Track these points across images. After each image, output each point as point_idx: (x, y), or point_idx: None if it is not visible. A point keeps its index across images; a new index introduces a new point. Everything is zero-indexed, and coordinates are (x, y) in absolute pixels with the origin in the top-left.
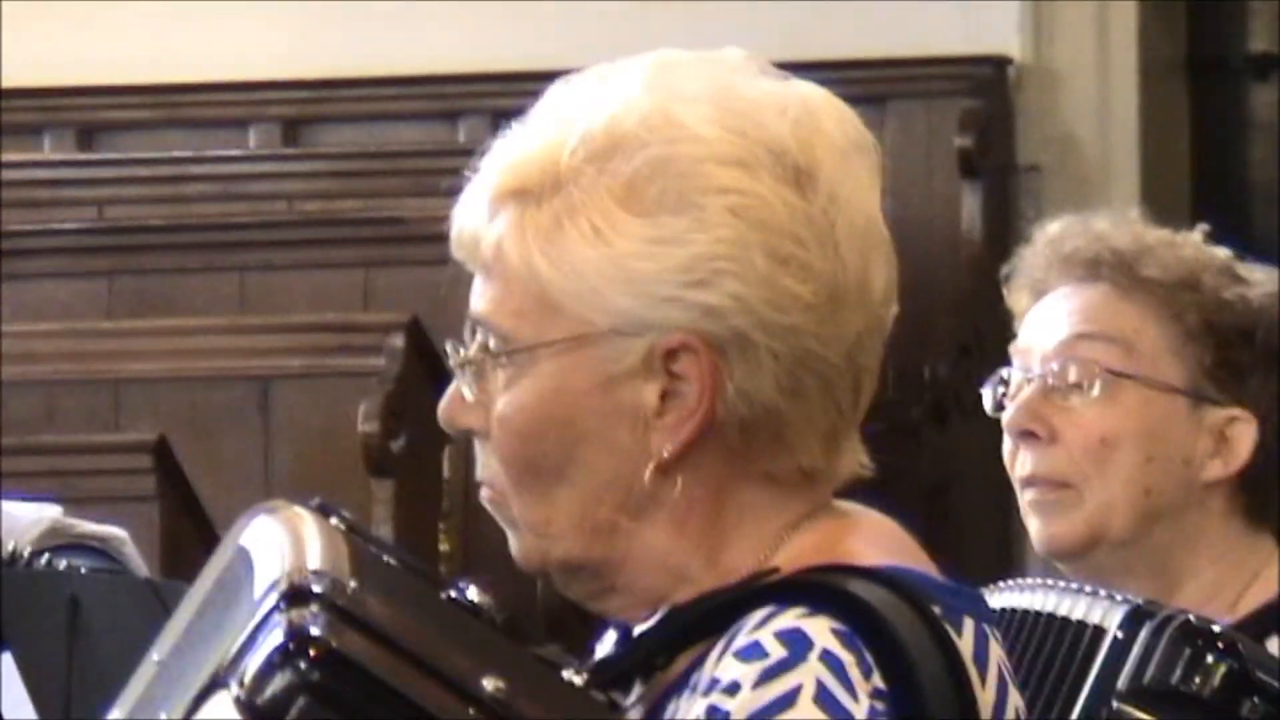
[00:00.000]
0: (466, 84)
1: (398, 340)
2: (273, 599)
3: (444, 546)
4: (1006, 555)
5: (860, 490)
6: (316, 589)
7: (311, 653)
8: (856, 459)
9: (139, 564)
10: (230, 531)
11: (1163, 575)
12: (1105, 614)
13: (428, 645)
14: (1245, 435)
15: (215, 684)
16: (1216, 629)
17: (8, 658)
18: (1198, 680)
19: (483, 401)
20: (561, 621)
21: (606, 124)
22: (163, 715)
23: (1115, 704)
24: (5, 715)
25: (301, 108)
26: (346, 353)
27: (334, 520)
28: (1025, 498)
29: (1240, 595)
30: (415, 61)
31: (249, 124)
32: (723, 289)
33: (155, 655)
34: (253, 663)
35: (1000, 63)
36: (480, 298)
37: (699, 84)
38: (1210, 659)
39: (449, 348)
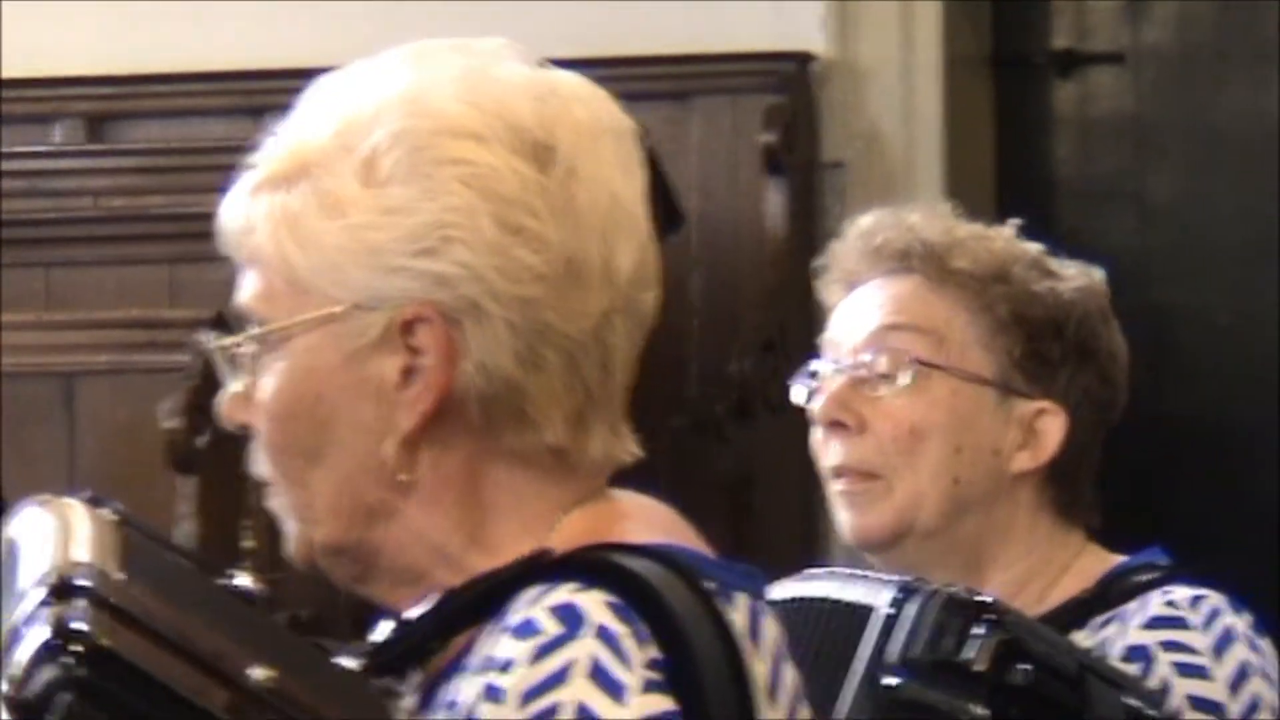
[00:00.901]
0: (270, 80)
1: (206, 339)
2: (40, 593)
3: (248, 544)
4: (811, 550)
5: (664, 485)
6: (83, 583)
7: (78, 649)
8: (623, 446)
9: None
10: (3, 522)
11: (972, 567)
12: (878, 594)
13: (196, 637)
14: (1054, 428)
15: None
16: (983, 599)
17: None
18: (966, 649)
19: (252, 394)
20: (365, 619)
21: (356, 108)
22: None
23: (886, 677)
24: None
25: (106, 104)
26: (152, 349)
27: (105, 511)
28: (834, 489)
29: (1049, 588)
30: (219, 58)
31: (53, 120)
32: (451, 256)
33: None
34: (19, 659)
35: (804, 59)
36: (243, 288)
37: (451, 67)
38: (978, 629)
39: (209, 341)
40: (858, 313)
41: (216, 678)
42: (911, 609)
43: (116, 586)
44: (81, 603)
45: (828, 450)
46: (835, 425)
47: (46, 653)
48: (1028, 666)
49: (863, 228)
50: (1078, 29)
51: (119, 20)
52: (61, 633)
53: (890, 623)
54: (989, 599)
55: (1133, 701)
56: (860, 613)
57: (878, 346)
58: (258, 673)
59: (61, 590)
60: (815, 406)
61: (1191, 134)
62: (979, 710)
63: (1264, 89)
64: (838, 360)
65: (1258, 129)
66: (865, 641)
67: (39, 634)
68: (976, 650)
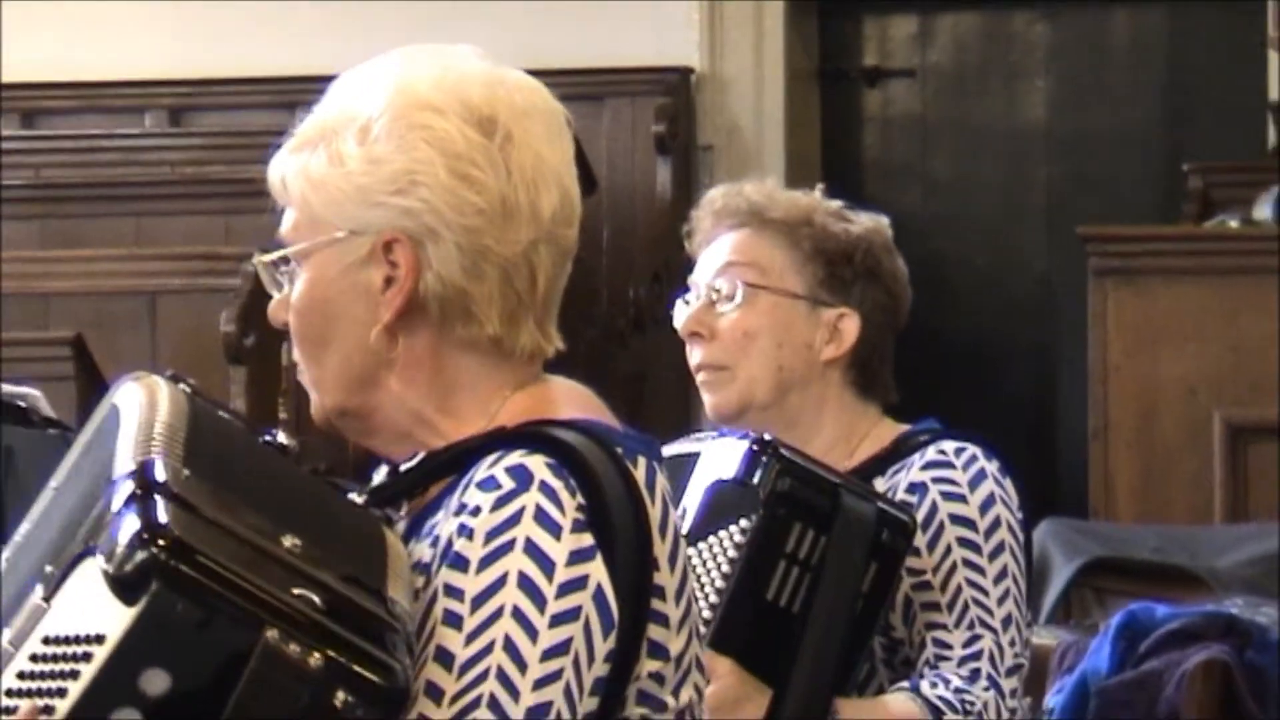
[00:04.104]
0: (300, 83)
1: (250, 266)
2: (129, 486)
3: (283, 415)
4: (687, 425)
5: (582, 378)
6: (160, 478)
7: (161, 541)
8: (550, 342)
9: (51, 413)
10: (110, 392)
11: (796, 432)
12: (705, 444)
13: (241, 518)
14: (851, 327)
15: (85, 552)
16: (769, 439)
17: None
18: (756, 472)
19: (288, 300)
20: (365, 470)
21: (360, 92)
22: (47, 568)
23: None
24: None
25: (182, 99)
26: (213, 275)
27: (181, 385)
28: (698, 380)
29: (855, 448)
30: (263, 66)
31: (144, 110)
32: (417, 195)
33: (53, 483)
34: (117, 542)
35: (685, 71)
36: (283, 224)
37: (429, 64)
38: (764, 456)
39: (255, 260)
40: (710, 257)
41: (257, 550)
42: (723, 450)
43: (185, 482)
44: (160, 498)
45: (692, 354)
46: (694, 335)
47: (138, 540)
48: (790, 478)
49: (710, 198)
50: (881, 50)
51: (192, 37)
52: (148, 526)
53: (708, 461)
54: (771, 439)
55: (882, 505)
56: (694, 459)
57: (722, 277)
58: (287, 540)
59: (144, 488)
60: (680, 323)
61: (963, 130)
62: (758, 515)
63: (1017, 96)
64: (698, 292)
65: (1012, 126)
66: (693, 474)
67: (130, 524)
68: (761, 473)
